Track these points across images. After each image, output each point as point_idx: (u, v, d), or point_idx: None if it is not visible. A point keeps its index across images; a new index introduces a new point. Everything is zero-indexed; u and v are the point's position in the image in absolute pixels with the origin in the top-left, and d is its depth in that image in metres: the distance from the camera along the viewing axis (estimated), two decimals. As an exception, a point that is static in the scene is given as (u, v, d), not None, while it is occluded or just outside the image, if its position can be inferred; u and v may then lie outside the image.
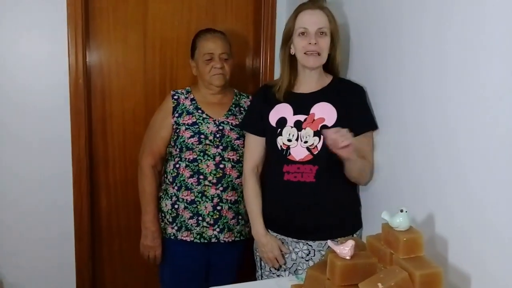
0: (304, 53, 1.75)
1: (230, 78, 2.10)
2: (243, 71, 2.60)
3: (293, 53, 1.80)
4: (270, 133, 1.84)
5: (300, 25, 1.75)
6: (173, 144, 2.05)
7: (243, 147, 1.99)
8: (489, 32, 1.27)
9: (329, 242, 1.38)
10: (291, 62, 1.82)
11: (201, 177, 2.00)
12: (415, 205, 1.58)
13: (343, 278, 1.31)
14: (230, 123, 2.06)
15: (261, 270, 1.96)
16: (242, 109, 2.13)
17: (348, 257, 1.32)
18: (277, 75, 2.32)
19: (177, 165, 2.04)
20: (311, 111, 1.79)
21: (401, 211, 1.32)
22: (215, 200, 2.01)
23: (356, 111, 1.77)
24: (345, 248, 1.33)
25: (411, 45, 1.60)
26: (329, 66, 1.83)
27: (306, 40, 1.74)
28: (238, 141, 2.05)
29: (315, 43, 1.73)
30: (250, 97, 2.17)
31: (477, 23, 1.30)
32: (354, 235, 1.82)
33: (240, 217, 2.08)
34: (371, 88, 1.84)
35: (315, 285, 1.40)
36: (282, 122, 1.82)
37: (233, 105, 2.12)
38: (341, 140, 1.52)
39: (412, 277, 1.22)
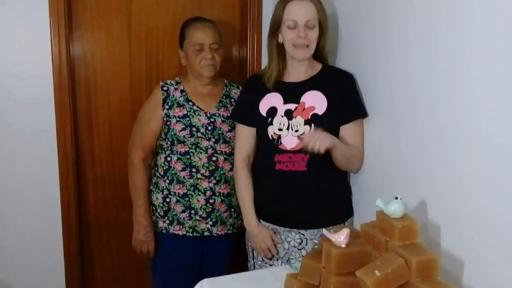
0: (293, 45, 1.74)
1: (219, 68, 2.07)
2: (230, 60, 2.56)
3: (281, 42, 1.78)
4: (261, 123, 1.83)
5: (288, 17, 1.72)
6: (163, 137, 2.02)
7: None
8: (479, 21, 1.27)
9: (324, 231, 1.39)
10: (280, 51, 1.80)
11: (194, 170, 1.98)
12: (405, 192, 1.56)
13: (339, 266, 1.32)
14: (221, 115, 2.03)
15: (253, 260, 1.96)
16: (233, 100, 2.10)
17: (343, 245, 1.33)
18: (264, 64, 2.30)
19: (169, 158, 2.01)
20: (302, 100, 1.78)
21: (396, 198, 1.32)
22: (208, 193, 2.00)
23: (346, 99, 1.77)
24: (340, 236, 1.34)
25: (400, 32, 1.60)
26: (318, 54, 1.82)
27: (295, 32, 1.72)
28: (230, 133, 2.03)
29: (304, 36, 1.71)
30: (240, 87, 2.14)
31: (468, 11, 1.30)
32: (346, 223, 1.83)
33: (232, 210, 2.07)
34: (360, 76, 1.84)
35: (311, 274, 1.40)
36: (272, 111, 1.81)
37: (224, 97, 2.10)
38: (317, 146, 1.56)
39: (408, 264, 1.23)
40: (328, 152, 1.73)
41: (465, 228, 1.37)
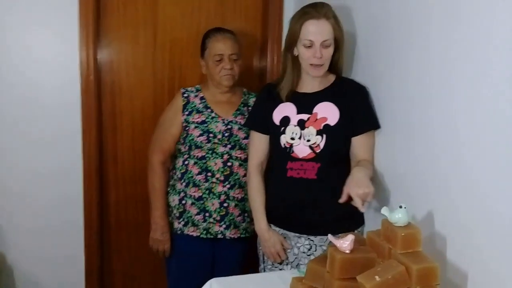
0: (309, 64, 1.78)
1: (239, 77, 2.14)
2: (250, 70, 2.64)
3: (296, 55, 1.83)
4: (274, 131, 1.89)
5: (305, 37, 1.75)
6: (182, 141, 2.11)
7: None
8: (495, 35, 1.29)
9: (330, 236, 1.42)
10: (294, 62, 1.85)
11: (209, 174, 2.06)
12: (417, 203, 1.61)
13: (342, 271, 1.35)
14: (238, 123, 2.11)
15: (263, 264, 2.01)
16: (250, 108, 2.17)
17: (347, 251, 1.37)
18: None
19: (186, 162, 2.09)
20: (314, 111, 1.83)
21: (400, 207, 1.36)
22: (222, 197, 2.07)
23: (358, 110, 1.82)
24: (345, 242, 1.38)
25: (416, 46, 1.64)
26: (332, 66, 1.87)
27: (311, 52, 1.76)
28: (246, 140, 2.09)
29: (320, 57, 1.75)
30: None
31: (483, 26, 1.33)
32: (356, 232, 1.86)
33: (246, 214, 2.13)
34: (375, 89, 1.88)
35: (315, 278, 1.45)
36: (285, 120, 1.87)
37: (242, 105, 2.17)
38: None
39: (409, 271, 1.26)
40: (339, 161, 1.79)
41: (473, 240, 1.38)
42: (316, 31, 1.74)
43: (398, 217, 1.36)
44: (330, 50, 1.78)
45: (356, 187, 1.57)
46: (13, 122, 2.27)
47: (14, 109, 2.26)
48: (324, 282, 1.41)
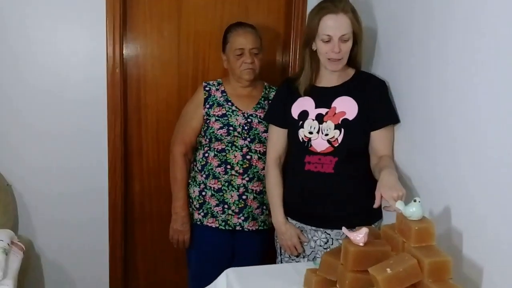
0: (327, 58, 1.79)
1: (261, 71, 2.16)
2: (273, 65, 2.66)
3: (315, 49, 1.84)
4: (292, 125, 1.90)
5: (323, 32, 1.76)
6: (203, 134, 2.15)
7: None
8: None
9: (344, 229, 1.43)
10: (312, 57, 1.86)
11: (228, 166, 2.09)
12: (434, 197, 1.61)
13: (356, 263, 1.36)
14: (258, 116, 2.13)
15: (280, 256, 2.03)
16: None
17: (361, 244, 1.38)
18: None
19: (206, 154, 2.13)
20: (333, 105, 1.84)
21: (414, 201, 1.36)
22: (241, 189, 2.09)
23: (377, 105, 1.81)
24: (358, 235, 1.39)
25: (437, 45, 1.62)
26: (351, 60, 1.87)
27: (329, 46, 1.76)
28: (265, 133, 2.11)
29: (339, 51, 1.75)
30: None
31: (507, 17, 1.31)
32: (373, 226, 1.86)
33: (264, 207, 2.16)
34: (396, 83, 1.87)
35: (329, 270, 1.46)
36: (304, 115, 1.88)
37: (262, 98, 2.19)
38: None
39: (421, 265, 1.26)
40: (357, 156, 1.79)
41: (490, 236, 1.37)
42: (334, 26, 1.74)
43: (412, 211, 1.36)
44: (349, 44, 1.78)
45: (389, 191, 1.54)
46: (40, 116, 2.35)
47: (41, 103, 2.34)
48: (337, 274, 1.43)
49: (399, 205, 1.40)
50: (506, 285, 1.31)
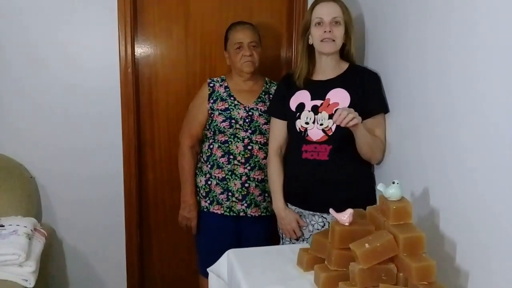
0: (321, 41, 1.93)
1: (265, 68, 2.30)
2: (277, 61, 2.79)
3: (311, 43, 1.97)
4: (291, 117, 2.04)
5: (316, 16, 1.93)
6: (207, 127, 2.30)
7: None
8: (492, 20, 1.34)
9: (331, 210, 1.55)
10: (310, 52, 2.00)
11: (231, 157, 2.23)
12: (421, 182, 1.72)
13: (341, 241, 1.48)
14: (259, 109, 2.27)
15: (282, 240, 2.17)
16: (271, 96, 2.32)
17: (347, 224, 1.50)
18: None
19: (211, 146, 2.28)
20: (327, 97, 1.97)
21: (393, 183, 1.48)
22: (244, 178, 2.24)
23: (369, 95, 1.94)
24: (344, 216, 1.51)
25: (418, 41, 1.74)
26: (345, 54, 2.00)
27: (322, 29, 1.91)
28: (265, 125, 2.25)
29: (330, 31, 1.90)
30: None
31: (479, 11, 1.39)
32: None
33: (266, 194, 2.29)
34: (384, 75, 1.99)
35: (319, 248, 1.59)
36: (301, 107, 2.01)
37: (263, 93, 2.33)
38: (349, 117, 1.69)
39: (397, 240, 1.38)
40: (350, 143, 1.90)
41: (462, 213, 1.47)
42: (325, 10, 1.91)
43: (391, 192, 1.47)
44: (341, 29, 1.92)
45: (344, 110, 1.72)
46: (60, 113, 2.54)
47: (63, 99, 2.53)
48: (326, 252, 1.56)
49: (380, 187, 1.51)
50: (478, 256, 1.41)
